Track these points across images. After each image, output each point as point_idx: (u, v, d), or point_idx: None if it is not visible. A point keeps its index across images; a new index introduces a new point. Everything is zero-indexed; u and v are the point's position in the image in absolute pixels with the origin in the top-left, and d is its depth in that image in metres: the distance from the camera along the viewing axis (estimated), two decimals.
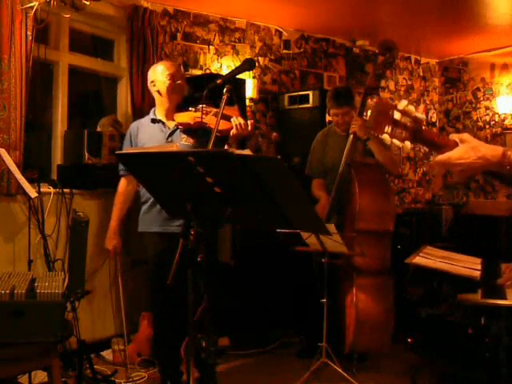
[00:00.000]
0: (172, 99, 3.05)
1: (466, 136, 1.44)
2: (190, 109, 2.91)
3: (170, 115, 3.05)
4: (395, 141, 1.43)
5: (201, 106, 2.77)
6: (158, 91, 3.05)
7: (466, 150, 1.42)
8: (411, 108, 1.45)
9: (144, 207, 3.07)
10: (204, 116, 2.78)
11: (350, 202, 3.52)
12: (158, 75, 3.05)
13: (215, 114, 2.73)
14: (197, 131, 2.90)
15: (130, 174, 2.87)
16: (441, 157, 1.43)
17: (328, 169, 3.77)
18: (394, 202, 3.86)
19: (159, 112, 3.09)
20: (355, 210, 3.45)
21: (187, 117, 2.90)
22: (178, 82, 3.04)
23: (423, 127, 1.46)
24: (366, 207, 3.44)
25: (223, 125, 2.70)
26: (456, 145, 1.43)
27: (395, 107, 1.44)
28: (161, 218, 2.94)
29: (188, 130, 2.94)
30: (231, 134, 2.79)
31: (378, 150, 3.56)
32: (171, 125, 3.04)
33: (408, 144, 1.44)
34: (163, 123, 3.06)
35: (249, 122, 2.83)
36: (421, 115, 1.46)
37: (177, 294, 2.62)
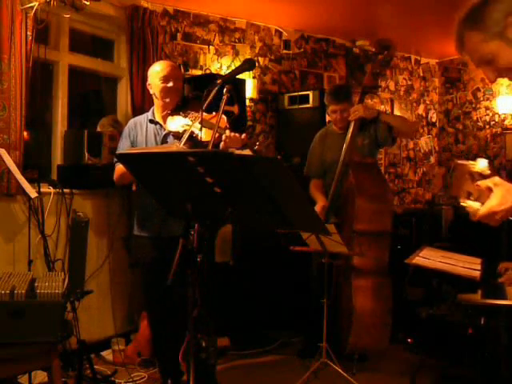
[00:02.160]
0: (166, 102, 2.99)
1: (497, 180, 1.45)
2: (181, 113, 2.84)
3: (166, 118, 3.01)
4: (470, 202, 1.46)
5: (188, 112, 2.72)
6: (154, 94, 3.02)
7: (503, 194, 1.43)
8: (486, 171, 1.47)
9: (138, 211, 3.06)
10: (190, 121, 2.73)
11: (348, 203, 3.52)
12: (153, 78, 3.00)
13: (201, 122, 2.66)
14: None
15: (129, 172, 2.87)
16: (484, 211, 1.44)
17: (327, 168, 3.76)
18: (391, 201, 3.86)
19: (157, 113, 3.06)
20: (353, 211, 3.44)
21: (175, 125, 2.86)
22: (170, 84, 2.96)
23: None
24: (364, 208, 3.44)
25: (211, 136, 2.64)
26: (490, 190, 1.44)
27: (472, 171, 1.47)
28: (154, 223, 2.95)
29: (178, 137, 2.91)
30: (220, 146, 2.67)
31: (389, 118, 3.58)
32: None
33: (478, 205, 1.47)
34: (160, 125, 3.02)
35: (242, 136, 2.67)
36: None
37: (171, 294, 2.62)
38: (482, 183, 1.46)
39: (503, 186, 1.44)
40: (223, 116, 2.73)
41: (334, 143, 3.76)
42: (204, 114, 2.55)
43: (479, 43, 1.43)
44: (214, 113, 2.67)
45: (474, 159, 1.52)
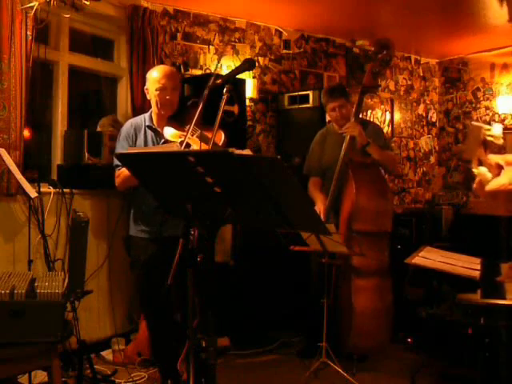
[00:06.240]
0: (161, 112, 2.99)
1: (510, 158, 1.42)
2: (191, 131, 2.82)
3: (161, 125, 3.00)
4: (483, 169, 1.43)
5: (188, 126, 2.71)
6: (151, 100, 3.01)
7: None
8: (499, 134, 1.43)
9: (137, 211, 3.06)
10: (190, 136, 2.72)
11: (347, 203, 3.51)
12: (151, 84, 2.97)
13: (199, 137, 2.65)
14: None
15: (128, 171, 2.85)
16: (493, 186, 1.41)
17: (326, 168, 3.75)
18: (392, 202, 3.85)
19: (155, 118, 3.04)
20: (352, 211, 3.44)
21: (174, 136, 2.86)
22: (167, 97, 2.94)
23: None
24: (364, 207, 3.43)
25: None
26: (499, 167, 1.41)
27: (486, 138, 1.44)
28: (154, 223, 2.95)
29: None
30: None
31: (376, 152, 3.56)
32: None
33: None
34: (157, 132, 3.00)
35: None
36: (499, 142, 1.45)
37: (170, 294, 2.62)
38: (492, 158, 1.42)
39: None
40: (222, 132, 2.73)
41: (334, 143, 3.75)
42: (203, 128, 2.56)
43: None
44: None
45: (489, 124, 1.47)
